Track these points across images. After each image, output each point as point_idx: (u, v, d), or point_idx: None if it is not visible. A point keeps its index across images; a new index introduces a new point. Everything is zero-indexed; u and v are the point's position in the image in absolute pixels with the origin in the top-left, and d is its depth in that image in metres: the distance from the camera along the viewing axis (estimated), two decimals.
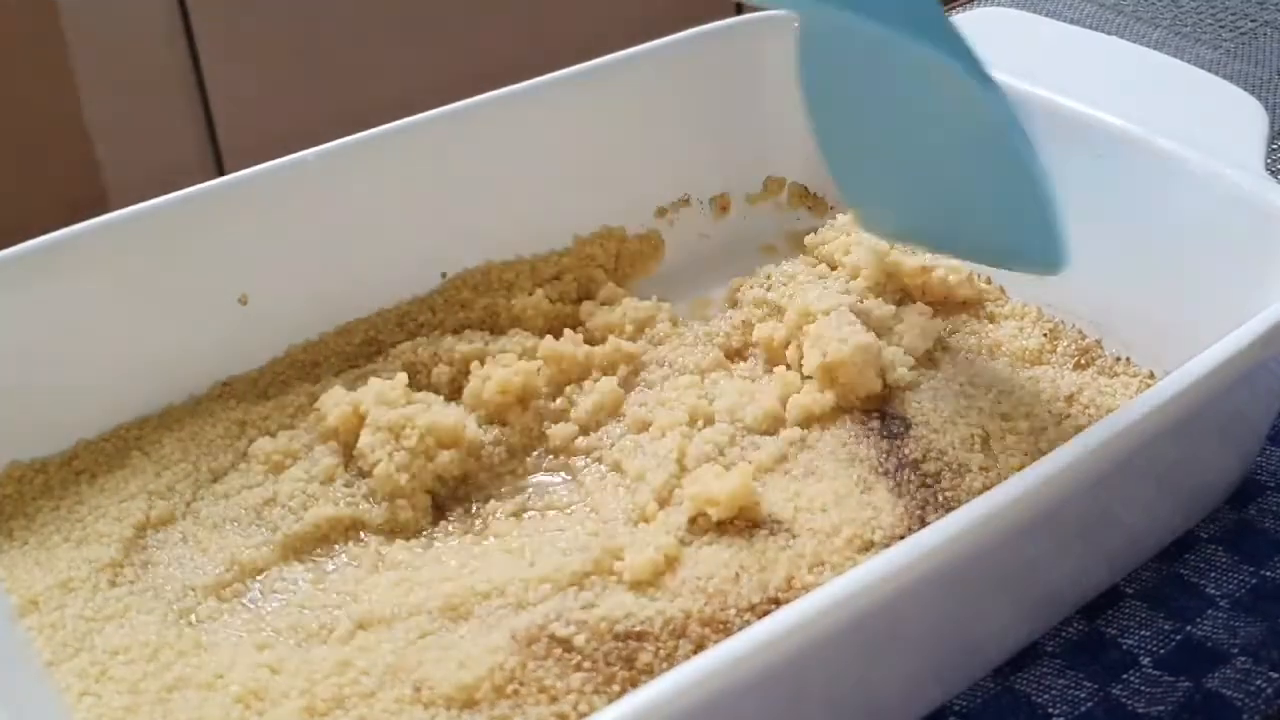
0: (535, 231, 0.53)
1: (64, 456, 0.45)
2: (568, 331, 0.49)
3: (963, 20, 0.56)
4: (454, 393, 0.47)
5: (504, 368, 0.47)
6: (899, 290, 0.50)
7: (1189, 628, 0.39)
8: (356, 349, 0.50)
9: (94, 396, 0.45)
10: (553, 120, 0.52)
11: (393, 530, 0.43)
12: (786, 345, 0.47)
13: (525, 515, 0.43)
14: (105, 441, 0.45)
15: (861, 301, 0.48)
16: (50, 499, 0.43)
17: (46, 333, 0.44)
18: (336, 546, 0.42)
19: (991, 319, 0.50)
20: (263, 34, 1.14)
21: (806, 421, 0.44)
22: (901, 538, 0.37)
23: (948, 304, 0.50)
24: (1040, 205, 0.37)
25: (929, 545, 0.31)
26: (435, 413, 0.44)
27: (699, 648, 0.36)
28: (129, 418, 0.46)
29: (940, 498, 0.39)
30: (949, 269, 0.49)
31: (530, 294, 0.51)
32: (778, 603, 0.37)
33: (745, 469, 0.40)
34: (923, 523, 0.38)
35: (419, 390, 0.46)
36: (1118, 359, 0.47)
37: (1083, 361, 0.47)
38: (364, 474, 0.43)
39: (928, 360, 0.47)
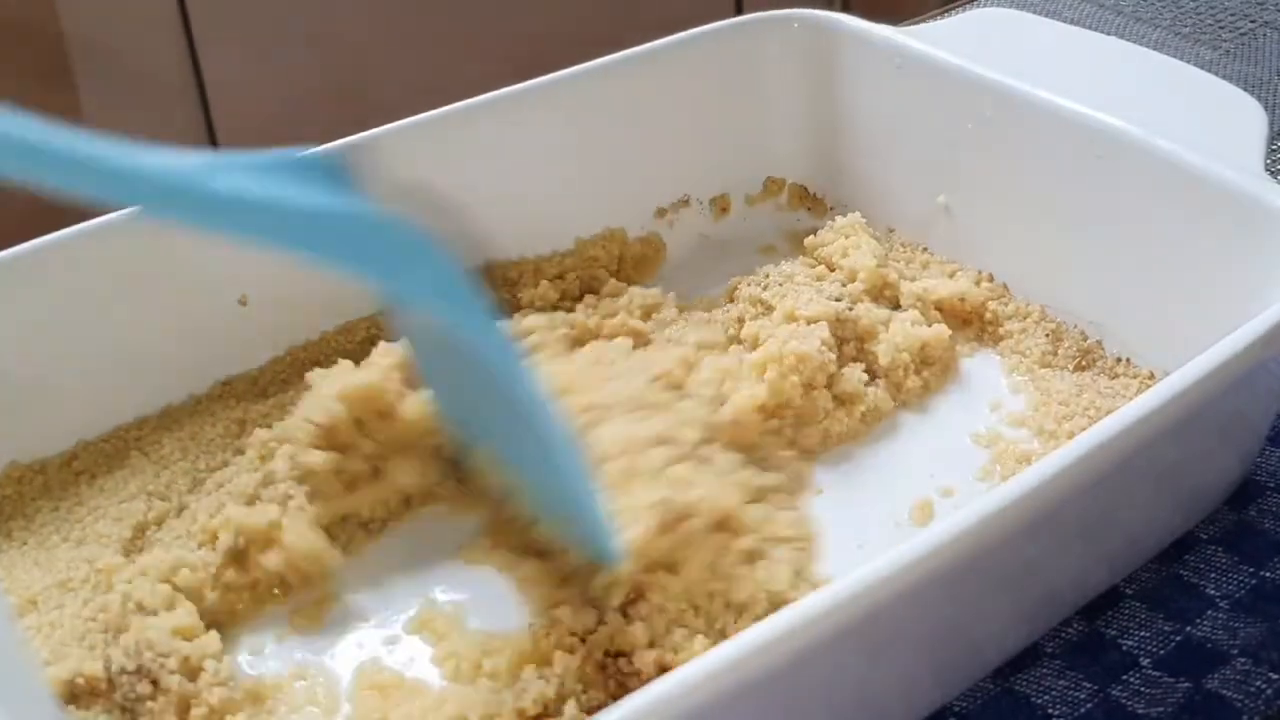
0: (535, 233, 0.53)
1: (64, 457, 0.45)
2: (580, 307, 0.50)
3: (962, 21, 0.56)
4: None
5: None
6: (896, 296, 0.50)
7: (1189, 629, 0.39)
8: (358, 347, 0.49)
9: (94, 397, 0.45)
10: (552, 121, 0.52)
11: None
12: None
13: None
14: (105, 442, 0.45)
15: (852, 308, 0.48)
16: (50, 499, 0.43)
17: (46, 333, 0.44)
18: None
19: (995, 320, 0.50)
20: (262, 35, 1.14)
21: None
22: None
23: (949, 312, 0.50)
24: (583, 499, 0.35)
25: (929, 546, 0.31)
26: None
27: None
28: (128, 418, 0.46)
29: None
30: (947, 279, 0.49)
31: (535, 287, 0.51)
32: None
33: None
34: None
35: None
36: (1118, 360, 0.47)
37: (1084, 363, 0.47)
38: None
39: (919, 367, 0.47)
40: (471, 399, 0.37)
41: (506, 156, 0.52)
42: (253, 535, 0.40)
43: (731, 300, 0.52)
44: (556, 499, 0.37)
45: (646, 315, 0.50)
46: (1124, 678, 0.38)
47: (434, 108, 0.50)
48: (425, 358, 0.39)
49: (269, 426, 0.45)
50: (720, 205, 0.57)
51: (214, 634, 0.37)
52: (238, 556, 0.40)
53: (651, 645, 0.35)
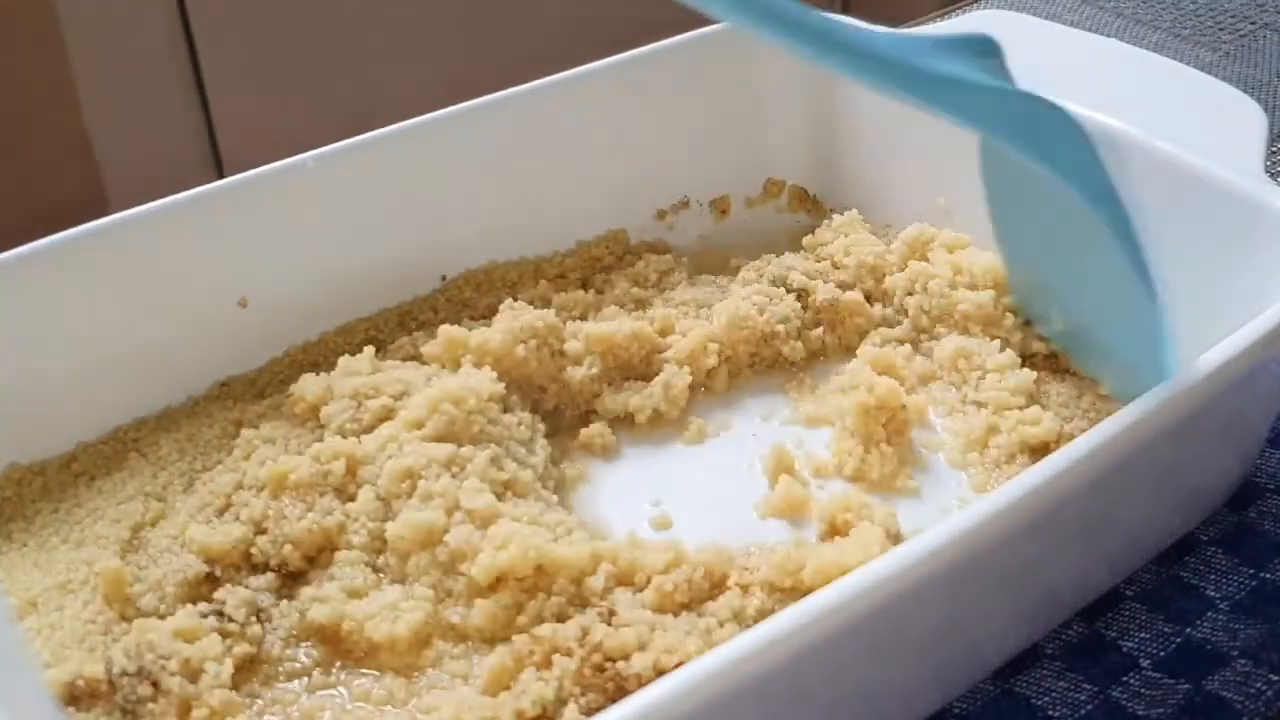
0: (536, 234, 0.53)
1: (63, 459, 0.45)
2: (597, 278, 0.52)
3: (961, 23, 0.56)
4: None
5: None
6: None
7: (1189, 630, 0.39)
8: (357, 349, 0.49)
9: (93, 398, 0.45)
10: (553, 123, 0.52)
11: None
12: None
13: None
14: (104, 444, 0.45)
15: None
16: (49, 501, 0.43)
17: (46, 334, 0.44)
18: None
19: None
20: (262, 35, 1.14)
21: None
22: None
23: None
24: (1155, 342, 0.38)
25: (930, 547, 0.31)
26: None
27: None
28: (127, 419, 0.46)
29: None
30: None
31: (535, 286, 0.51)
32: None
33: None
34: None
35: None
36: None
37: None
38: None
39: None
40: (1049, 252, 0.43)
41: (508, 158, 0.52)
42: (218, 556, 0.40)
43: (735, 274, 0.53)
44: (1125, 338, 0.40)
45: (660, 279, 0.52)
46: (1124, 679, 0.38)
47: (434, 110, 0.50)
48: (1006, 220, 0.45)
49: (256, 427, 0.45)
50: (720, 207, 0.57)
51: (215, 636, 0.37)
52: (210, 578, 0.40)
53: (643, 649, 0.35)
